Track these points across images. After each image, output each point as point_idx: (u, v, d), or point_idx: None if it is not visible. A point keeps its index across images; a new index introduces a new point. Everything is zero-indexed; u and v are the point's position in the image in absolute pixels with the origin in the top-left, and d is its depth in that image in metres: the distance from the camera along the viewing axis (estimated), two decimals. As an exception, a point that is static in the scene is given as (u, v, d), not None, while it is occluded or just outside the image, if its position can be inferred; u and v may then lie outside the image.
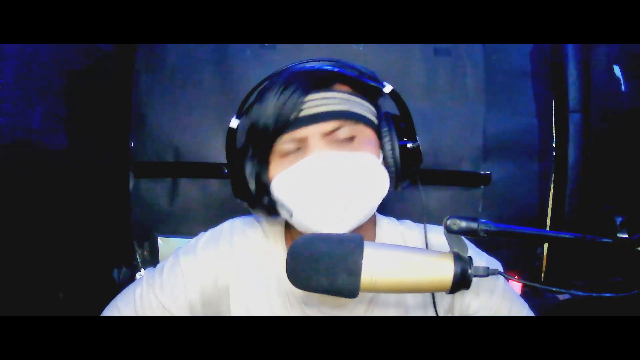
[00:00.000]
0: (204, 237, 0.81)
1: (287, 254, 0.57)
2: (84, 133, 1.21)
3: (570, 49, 1.37)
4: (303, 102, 0.66)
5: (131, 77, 1.33)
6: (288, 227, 0.80)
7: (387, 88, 0.71)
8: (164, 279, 0.76)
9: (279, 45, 1.29)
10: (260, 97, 0.69)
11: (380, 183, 0.70)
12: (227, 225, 0.82)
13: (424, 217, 0.75)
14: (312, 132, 0.67)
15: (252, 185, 0.71)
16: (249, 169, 0.71)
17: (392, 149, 0.71)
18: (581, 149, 1.37)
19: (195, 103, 1.30)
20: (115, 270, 1.33)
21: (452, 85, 1.32)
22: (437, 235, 0.77)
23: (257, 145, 0.70)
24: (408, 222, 0.84)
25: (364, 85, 0.71)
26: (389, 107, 0.77)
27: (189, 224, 1.32)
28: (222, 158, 1.31)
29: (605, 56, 1.40)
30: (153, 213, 1.33)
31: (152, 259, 1.34)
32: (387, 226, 0.82)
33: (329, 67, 0.70)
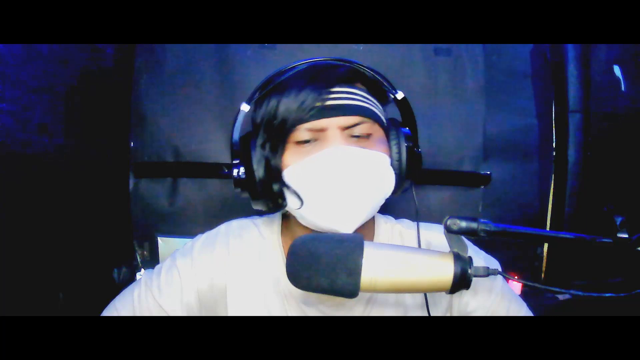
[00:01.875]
0: (200, 239, 0.80)
1: (287, 254, 0.57)
2: (84, 133, 1.21)
3: (570, 49, 1.37)
4: (329, 93, 0.67)
5: (131, 77, 1.32)
6: (285, 229, 0.80)
7: (400, 95, 0.74)
8: (162, 281, 0.76)
9: (279, 46, 1.29)
10: (283, 85, 0.68)
11: (388, 184, 0.71)
12: (223, 228, 0.82)
13: (417, 217, 0.75)
14: (332, 124, 0.67)
15: (259, 172, 0.69)
16: (259, 155, 0.69)
17: (399, 152, 0.72)
18: (581, 149, 1.37)
19: (195, 103, 1.30)
20: (115, 270, 1.33)
21: (452, 85, 1.32)
22: (437, 235, 0.77)
23: (273, 131, 0.68)
24: (406, 221, 0.84)
25: (379, 89, 0.73)
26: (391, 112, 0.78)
27: (189, 224, 1.32)
28: (222, 158, 1.32)
29: (605, 56, 1.40)
30: (153, 213, 1.33)
31: (152, 259, 1.34)
32: (385, 225, 0.82)
33: (353, 65, 0.71)
